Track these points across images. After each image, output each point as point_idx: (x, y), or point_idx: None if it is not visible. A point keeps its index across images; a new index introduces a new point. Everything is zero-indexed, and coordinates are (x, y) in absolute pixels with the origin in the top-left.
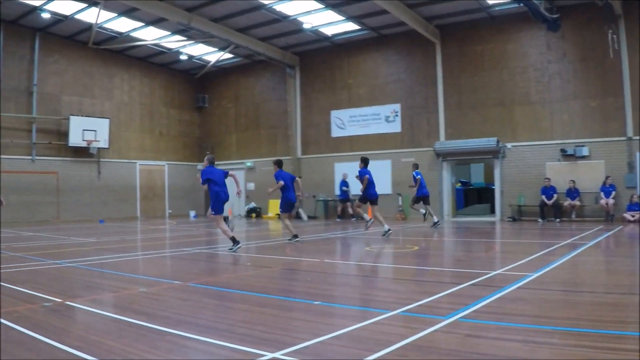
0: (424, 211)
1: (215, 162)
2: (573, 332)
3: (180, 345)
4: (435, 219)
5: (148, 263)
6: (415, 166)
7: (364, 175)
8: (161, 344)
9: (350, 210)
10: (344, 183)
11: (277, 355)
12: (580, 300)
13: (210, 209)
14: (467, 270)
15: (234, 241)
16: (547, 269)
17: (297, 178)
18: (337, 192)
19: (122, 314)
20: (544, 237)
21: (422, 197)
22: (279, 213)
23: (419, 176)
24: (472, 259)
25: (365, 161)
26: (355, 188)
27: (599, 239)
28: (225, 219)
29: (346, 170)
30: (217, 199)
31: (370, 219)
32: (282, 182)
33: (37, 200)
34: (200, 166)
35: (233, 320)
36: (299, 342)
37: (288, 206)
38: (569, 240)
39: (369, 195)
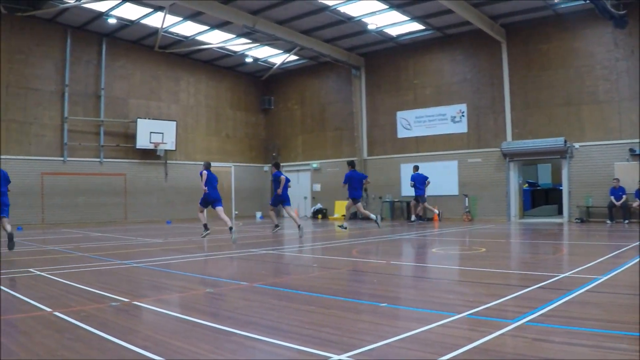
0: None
1: (281, 164)
2: None
3: (245, 346)
4: (373, 216)
5: (214, 264)
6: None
7: (279, 176)
8: (227, 344)
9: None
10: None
11: (343, 357)
12: None
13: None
14: (535, 272)
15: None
16: (616, 271)
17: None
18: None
19: (188, 314)
20: (612, 239)
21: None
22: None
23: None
24: (539, 261)
25: (277, 165)
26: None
27: None
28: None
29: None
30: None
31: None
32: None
33: (105, 201)
34: (267, 167)
35: (299, 322)
36: (366, 345)
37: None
38: (638, 243)
39: (284, 197)
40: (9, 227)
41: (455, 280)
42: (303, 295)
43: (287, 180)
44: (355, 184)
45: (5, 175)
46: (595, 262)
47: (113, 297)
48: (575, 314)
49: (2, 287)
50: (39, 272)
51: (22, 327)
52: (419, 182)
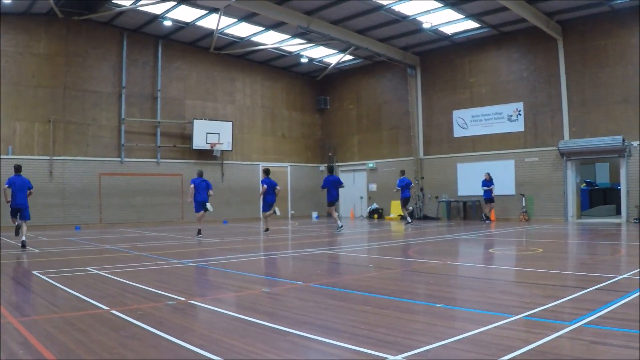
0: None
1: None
2: None
3: (300, 346)
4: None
5: (270, 263)
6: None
7: (263, 185)
8: (282, 344)
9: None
10: (486, 183)
11: (398, 358)
12: None
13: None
14: (592, 274)
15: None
16: None
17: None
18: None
19: (244, 313)
20: None
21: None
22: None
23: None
24: (596, 262)
25: (267, 172)
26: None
27: None
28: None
29: (475, 170)
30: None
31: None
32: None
33: (161, 201)
34: (323, 168)
35: (354, 322)
36: (421, 346)
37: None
38: None
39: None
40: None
41: (511, 281)
42: (358, 295)
43: (270, 186)
44: (332, 188)
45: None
46: None
47: (169, 296)
48: (634, 317)
49: (56, 284)
50: (96, 271)
51: (79, 325)
52: (404, 185)
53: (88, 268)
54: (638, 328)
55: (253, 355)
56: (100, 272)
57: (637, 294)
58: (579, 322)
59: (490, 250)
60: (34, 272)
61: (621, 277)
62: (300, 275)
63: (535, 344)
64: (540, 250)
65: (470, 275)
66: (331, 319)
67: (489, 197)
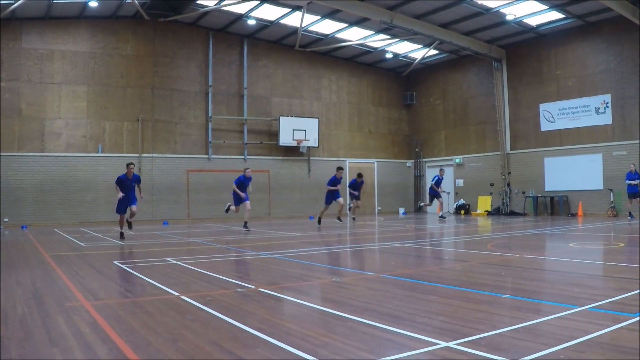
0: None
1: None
2: None
3: (358, 332)
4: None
5: (346, 256)
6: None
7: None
8: (340, 329)
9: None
10: (631, 175)
11: (450, 344)
12: None
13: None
14: None
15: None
16: None
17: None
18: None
19: (309, 300)
20: None
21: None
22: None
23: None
24: None
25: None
26: None
27: None
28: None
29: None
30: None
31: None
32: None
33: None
34: (410, 163)
35: (416, 310)
36: (477, 334)
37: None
38: None
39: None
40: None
41: (585, 274)
42: (427, 285)
43: (237, 182)
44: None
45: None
46: None
47: (241, 284)
48: None
49: (134, 273)
50: (175, 261)
51: (148, 308)
52: (354, 187)
53: (167, 259)
54: None
55: (308, 338)
56: (178, 263)
57: None
58: None
59: (570, 245)
60: (115, 262)
61: None
62: (374, 267)
63: (593, 334)
64: (622, 244)
65: (544, 268)
66: (395, 307)
67: (634, 192)
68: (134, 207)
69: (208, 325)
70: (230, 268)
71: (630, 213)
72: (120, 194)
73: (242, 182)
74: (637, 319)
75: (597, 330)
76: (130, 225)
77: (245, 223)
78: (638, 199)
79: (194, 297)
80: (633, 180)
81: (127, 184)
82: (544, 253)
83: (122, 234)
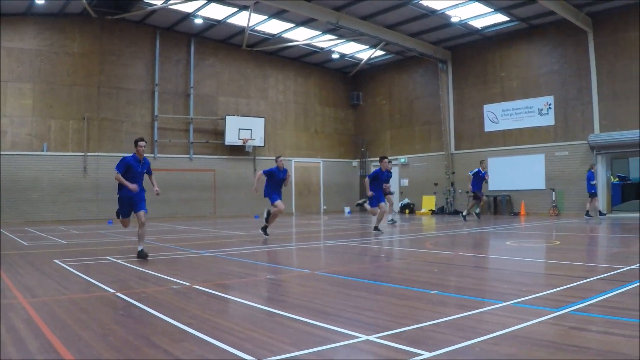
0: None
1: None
2: None
3: (284, 326)
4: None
5: (285, 254)
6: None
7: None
8: (267, 324)
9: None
10: (592, 176)
11: (370, 337)
12: None
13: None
14: (601, 265)
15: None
16: None
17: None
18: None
19: (241, 297)
20: None
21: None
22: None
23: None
24: (610, 255)
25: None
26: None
27: None
28: None
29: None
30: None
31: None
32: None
33: (194, 196)
34: (356, 163)
35: (344, 306)
36: (398, 328)
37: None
38: None
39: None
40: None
41: (516, 271)
42: (359, 282)
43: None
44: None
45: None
46: None
47: (176, 282)
48: (625, 305)
49: (73, 271)
50: (115, 260)
51: (83, 305)
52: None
53: (108, 257)
54: (627, 316)
55: (234, 333)
56: (118, 261)
57: (636, 284)
58: (566, 309)
59: (507, 243)
60: (56, 261)
61: (628, 268)
62: (310, 264)
63: (511, 328)
64: (558, 242)
65: (477, 265)
66: (323, 303)
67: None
68: (142, 215)
69: (139, 321)
70: (168, 266)
71: (587, 212)
72: (133, 186)
73: (275, 175)
74: (559, 313)
75: (516, 324)
76: (142, 254)
77: (265, 227)
78: (596, 198)
79: (129, 294)
80: (593, 180)
81: (136, 171)
82: (479, 251)
83: (139, 252)
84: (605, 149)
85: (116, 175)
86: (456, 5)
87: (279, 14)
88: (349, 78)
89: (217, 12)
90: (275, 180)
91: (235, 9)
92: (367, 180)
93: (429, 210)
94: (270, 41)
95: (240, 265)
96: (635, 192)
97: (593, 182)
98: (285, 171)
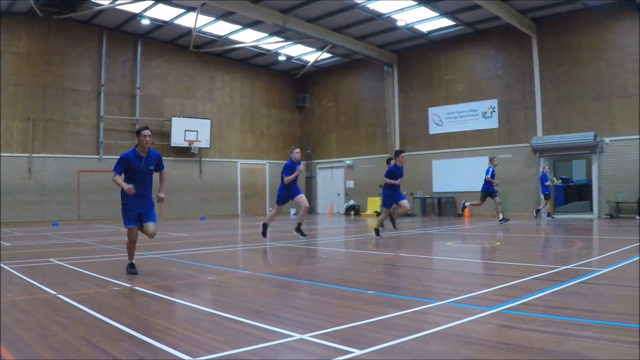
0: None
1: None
2: (613, 327)
3: (221, 326)
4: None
5: (228, 256)
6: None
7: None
8: (205, 324)
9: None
10: (545, 177)
11: (304, 336)
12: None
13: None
14: (538, 265)
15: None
16: (620, 265)
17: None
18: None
19: (181, 298)
20: (633, 234)
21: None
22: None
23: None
24: (547, 255)
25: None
26: None
27: None
28: None
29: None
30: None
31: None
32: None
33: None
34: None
35: (281, 306)
36: (333, 327)
37: None
38: None
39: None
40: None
41: (454, 271)
42: (299, 283)
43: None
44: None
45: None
46: (604, 255)
47: (118, 283)
48: (557, 304)
49: (15, 273)
50: (58, 262)
51: (24, 307)
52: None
53: (51, 259)
54: (557, 314)
55: (171, 332)
56: (61, 263)
57: (570, 284)
58: (498, 307)
59: (448, 244)
60: None
61: (564, 267)
62: (252, 265)
63: (443, 326)
64: (498, 243)
65: (416, 265)
66: (261, 303)
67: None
68: (151, 226)
69: (80, 321)
70: (111, 268)
71: (540, 212)
72: (128, 187)
73: (291, 169)
74: (491, 312)
75: (448, 322)
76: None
77: (299, 225)
78: (549, 200)
79: (70, 295)
80: (547, 181)
81: (140, 169)
82: (420, 252)
83: (132, 265)
84: (548, 152)
85: (113, 177)
86: (402, 9)
87: (226, 16)
88: (296, 80)
89: (164, 13)
90: (292, 174)
91: (183, 10)
92: (386, 180)
93: (374, 212)
94: (217, 43)
95: (182, 267)
96: (577, 194)
97: (547, 184)
98: (299, 164)
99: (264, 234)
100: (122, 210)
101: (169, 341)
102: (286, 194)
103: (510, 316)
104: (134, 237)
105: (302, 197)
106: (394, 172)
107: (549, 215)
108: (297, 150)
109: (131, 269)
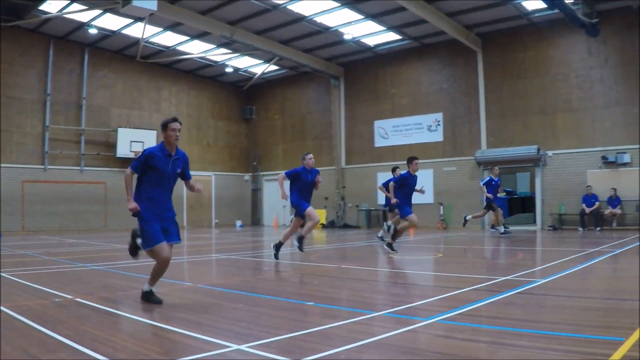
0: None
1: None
2: (548, 335)
3: (160, 337)
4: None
5: (173, 267)
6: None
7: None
8: (143, 334)
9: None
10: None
11: (242, 347)
12: (573, 306)
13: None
14: (477, 276)
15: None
16: (558, 275)
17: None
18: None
19: (121, 309)
20: (574, 245)
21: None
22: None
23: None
24: (489, 266)
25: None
26: None
27: (629, 247)
28: None
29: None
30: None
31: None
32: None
33: (85, 209)
34: (248, 177)
35: (220, 317)
36: (270, 337)
37: None
38: (597, 248)
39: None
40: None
41: (394, 282)
42: (238, 294)
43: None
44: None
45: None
46: (544, 266)
47: (59, 295)
48: (493, 314)
49: None
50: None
51: None
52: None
53: None
54: (492, 324)
55: (109, 343)
56: (3, 274)
57: (508, 294)
58: (435, 318)
59: (390, 256)
60: None
61: (503, 278)
62: (194, 277)
63: (379, 337)
64: (440, 255)
65: (357, 277)
66: (201, 314)
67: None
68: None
69: (19, 333)
70: (53, 279)
71: (492, 226)
72: (133, 205)
73: (301, 177)
74: (428, 322)
75: (385, 332)
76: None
77: (301, 239)
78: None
79: (11, 307)
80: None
81: (166, 172)
82: (362, 263)
83: (151, 293)
84: (492, 165)
85: (126, 175)
86: (349, 23)
87: (174, 27)
88: (243, 92)
89: (112, 22)
90: (303, 183)
91: (131, 20)
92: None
93: (320, 224)
94: (165, 53)
95: (125, 279)
96: (521, 206)
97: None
98: (315, 172)
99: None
100: (141, 224)
101: (107, 352)
102: (303, 200)
103: (447, 326)
104: (168, 255)
105: (312, 210)
106: (407, 181)
107: (492, 227)
108: (311, 155)
109: (153, 297)
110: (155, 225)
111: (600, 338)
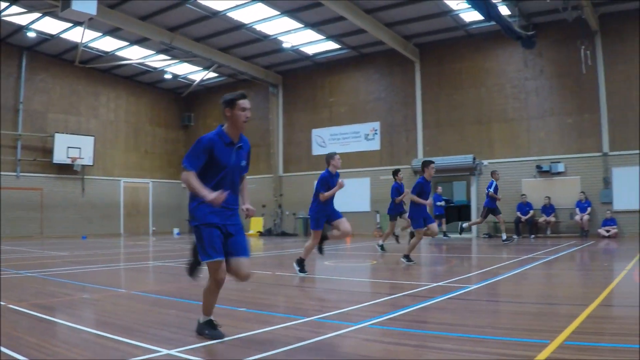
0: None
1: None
2: (474, 339)
3: (90, 342)
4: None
5: (106, 274)
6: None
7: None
8: (74, 340)
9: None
10: (439, 198)
11: (171, 351)
12: (503, 310)
13: None
14: (410, 282)
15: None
16: (491, 281)
17: None
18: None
19: (53, 315)
20: (509, 252)
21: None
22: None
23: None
24: (421, 273)
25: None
26: None
27: (561, 253)
28: None
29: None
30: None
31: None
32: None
33: (21, 215)
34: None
35: (151, 323)
36: (200, 342)
37: None
38: (530, 255)
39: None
40: None
41: (327, 288)
42: (172, 300)
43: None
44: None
45: None
46: (477, 272)
47: None
48: (422, 318)
49: None
50: None
51: None
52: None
53: None
54: (421, 328)
55: (41, 349)
56: None
57: (438, 299)
58: (365, 323)
59: (325, 263)
60: None
61: (435, 284)
62: (128, 284)
63: (308, 341)
64: (375, 262)
65: (290, 284)
66: (132, 320)
67: (441, 213)
68: (245, 263)
69: None
70: None
71: (445, 233)
72: (214, 194)
73: (329, 182)
74: (358, 327)
75: (314, 337)
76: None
77: (301, 261)
78: (444, 219)
79: None
80: (440, 201)
81: (230, 164)
82: (296, 270)
83: (211, 324)
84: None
85: (186, 176)
86: (289, 32)
87: (113, 32)
88: (182, 99)
89: (51, 26)
90: (330, 189)
91: (70, 24)
92: (412, 196)
93: (257, 232)
94: (104, 58)
95: (58, 285)
96: (457, 214)
97: (439, 204)
98: (337, 175)
99: (302, 270)
100: (197, 233)
101: (38, 357)
102: (323, 214)
103: (375, 331)
104: (223, 277)
105: (344, 222)
106: (423, 187)
107: (445, 234)
108: (338, 156)
109: (214, 331)
110: (216, 234)
111: (526, 341)
